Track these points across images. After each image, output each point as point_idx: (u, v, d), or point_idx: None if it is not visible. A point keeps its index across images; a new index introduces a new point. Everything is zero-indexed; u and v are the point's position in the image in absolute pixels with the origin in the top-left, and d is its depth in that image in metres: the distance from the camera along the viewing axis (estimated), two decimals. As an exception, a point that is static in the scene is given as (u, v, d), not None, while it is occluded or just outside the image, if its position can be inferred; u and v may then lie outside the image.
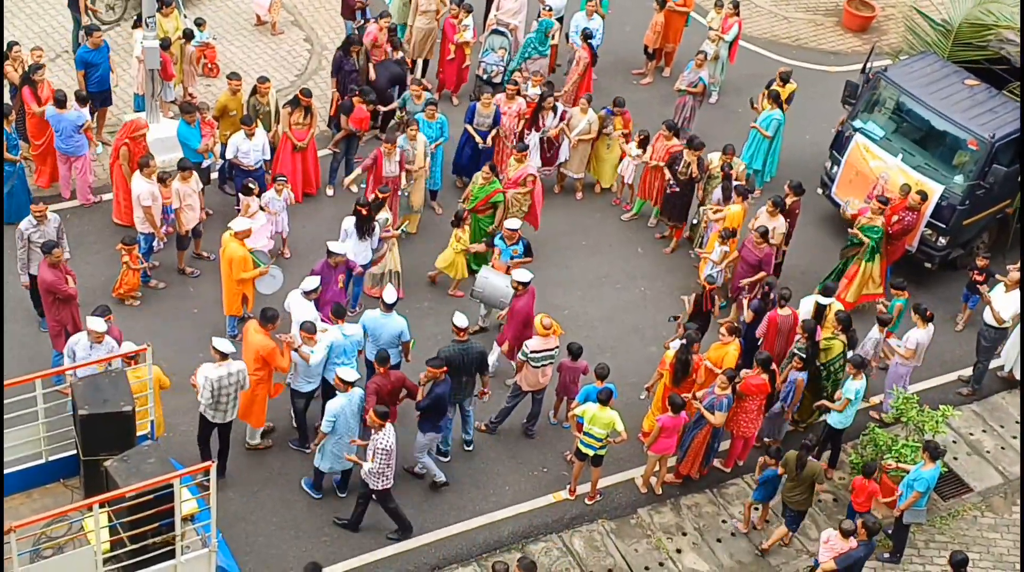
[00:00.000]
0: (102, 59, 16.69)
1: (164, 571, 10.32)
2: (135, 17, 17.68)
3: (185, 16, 18.57)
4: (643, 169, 17.15)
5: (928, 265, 16.88)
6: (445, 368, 12.78)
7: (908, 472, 13.14)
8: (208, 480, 10.06)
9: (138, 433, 11.02)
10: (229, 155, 15.87)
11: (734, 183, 16.22)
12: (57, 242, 13.63)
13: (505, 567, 11.40)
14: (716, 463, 14.19)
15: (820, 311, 14.47)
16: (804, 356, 13.75)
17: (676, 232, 17.11)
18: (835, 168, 17.44)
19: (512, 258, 15.02)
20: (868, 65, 17.62)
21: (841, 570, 12.20)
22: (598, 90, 18.70)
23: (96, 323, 12.45)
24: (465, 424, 13.92)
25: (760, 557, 13.47)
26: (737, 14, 19.55)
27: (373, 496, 12.59)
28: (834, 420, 13.92)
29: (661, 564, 13.29)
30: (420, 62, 19.07)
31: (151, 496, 9.87)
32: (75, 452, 11.00)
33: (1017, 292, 15.19)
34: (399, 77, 17.85)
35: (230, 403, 12.64)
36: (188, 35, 17.79)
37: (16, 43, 16.61)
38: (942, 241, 16.61)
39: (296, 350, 12.89)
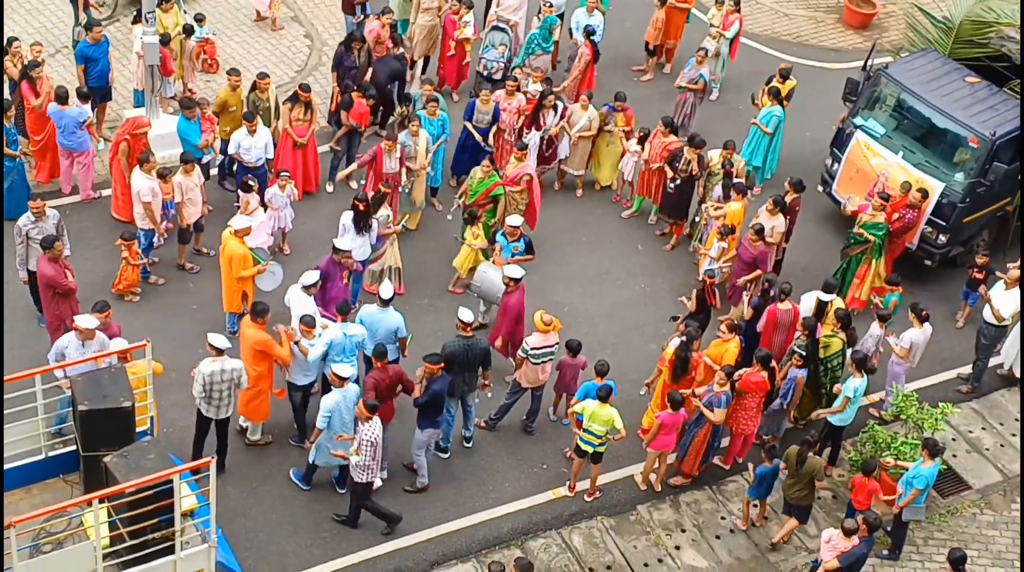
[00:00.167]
0: (102, 54, 16.68)
1: (164, 567, 10.34)
2: (135, 13, 17.67)
3: (185, 12, 18.55)
4: (642, 166, 17.13)
5: (928, 263, 16.88)
6: (442, 364, 12.78)
7: (907, 469, 13.14)
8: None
9: (138, 429, 11.04)
10: (231, 150, 15.87)
11: (734, 181, 16.21)
12: (57, 236, 13.62)
13: (501, 568, 11.37)
14: (715, 460, 14.19)
15: (821, 308, 14.47)
16: (804, 353, 13.75)
17: (676, 229, 17.10)
18: (836, 165, 17.43)
19: (513, 255, 15.01)
20: (869, 62, 17.60)
21: (844, 568, 12.21)
22: (599, 86, 18.69)
23: (84, 320, 12.38)
24: (466, 420, 13.93)
25: (760, 556, 13.48)
26: (738, 11, 19.53)
27: (361, 489, 12.54)
28: (835, 417, 13.92)
29: (660, 561, 13.29)
30: (421, 60, 19.04)
31: (151, 492, 9.89)
32: (75, 448, 11.01)
33: (1017, 290, 15.19)
34: (399, 73, 17.84)
35: (224, 399, 12.61)
36: (188, 31, 17.77)
37: (16, 39, 16.60)
38: (942, 239, 16.60)
39: (296, 344, 12.89)
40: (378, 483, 13.00)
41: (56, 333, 13.46)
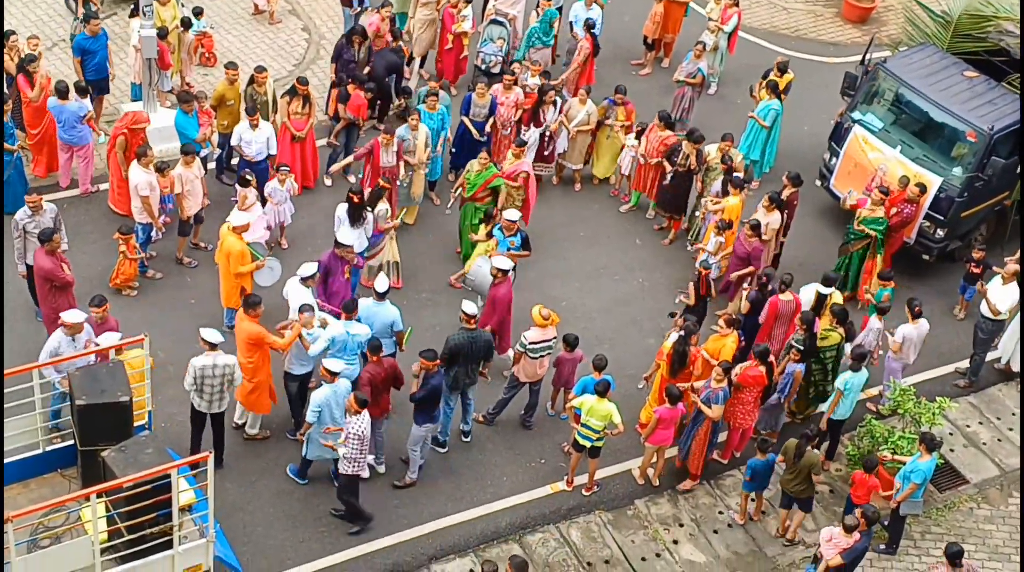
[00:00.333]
0: (100, 47, 16.66)
1: (162, 561, 10.35)
2: (132, 6, 17.63)
3: (183, 5, 18.50)
4: (639, 160, 17.11)
5: (926, 257, 16.88)
6: (438, 361, 12.78)
7: (904, 464, 13.15)
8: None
9: (136, 423, 11.03)
10: (234, 142, 15.87)
11: (733, 175, 16.20)
12: (55, 229, 13.61)
13: (494, 568, 11.36)
14: (714, 455, 14.19)
15: (821, 301, 14.47)
16: (802, 348, 13.76)
17: (674, 224, 17.10)
18: (834, 160, 17.42)
19: (509, 249, 15.00)
20: (867, 56, 17.59)
21: (848, 563, 12.24)
22: (597, 80, 18.67)
23: (71, 315, 12.34)
24: (465, 413, 13.93)
25: (757, 550, 13.49)
26: (736, 4, 19.51)
27: (345, 482, 12.52)
28: (828, 409, 13.92)
29: (658, 555, 13.31)
30: (419, 56, 19.01)
31: (149, 486, 9.89)
32: (72, 442, 11.01)
33: (1014, 284, 15.20)
34: (396, 66, 17.82)
35: (216, 394, 12.58)
36: (186, 24, 17.75)
37: (13, 32, 16.57)
38: (940, 233, 16.60)
39: (299, 337, 12.91)
40: (366, 474, 13.03)
41: (53, 327, 13.44)
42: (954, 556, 12.24)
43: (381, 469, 13.47)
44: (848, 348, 14.11)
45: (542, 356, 13.71)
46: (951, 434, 15.10)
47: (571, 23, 19.11)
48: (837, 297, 14.76)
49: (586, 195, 17.84)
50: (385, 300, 13.47)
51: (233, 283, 14.16)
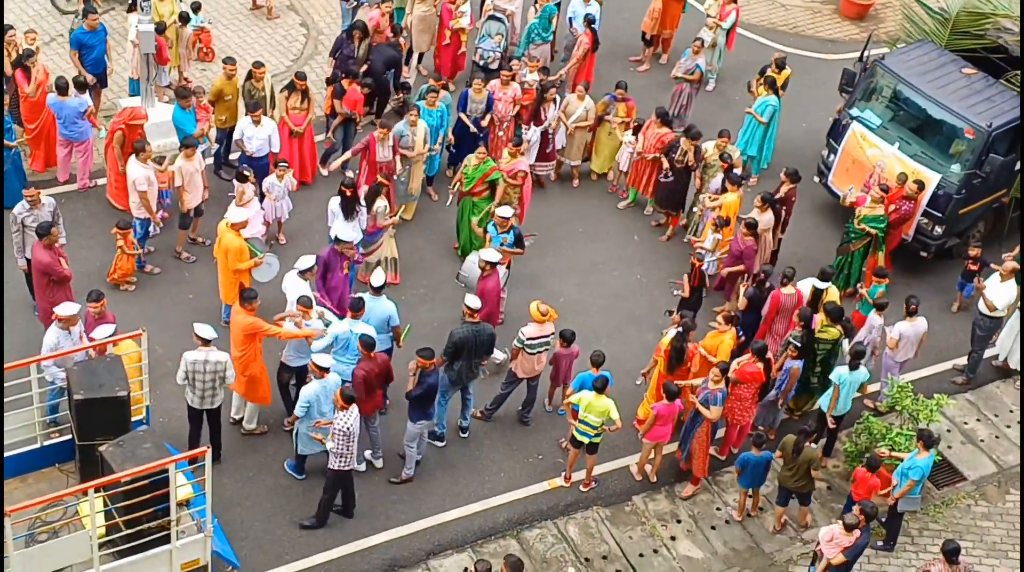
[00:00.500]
0: (98, 41, 16.64)
1: (159, 556, 10.34)
2: (130, 1, 17.60)
3: (181, 0, 18.49)
4: (636, 157, 17.09)
5: (924, 254, 16.89)
6: (436, 360, 12.77)
7: (902, 460, 13.16)
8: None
9: (133, 418, 11.03)
10: (236, 136, 15.87)
11: (731, 172, 16.19)
12: (53, 222, 13.59)
13: (487, 567, 11.33)
14: (711, 451, 14.20)
15: (817, 296, 14.47)
16: (799, 345, 13.76)
17: (672, 220, 17.09)
18: (832, 156, 17.43)
19: (502, 246, 14.96)
20: (865, 53, 17.59)
21: (850, 560, 12.25)
22: (596, 77, 18.66)
23: (65, 308, 12.33)
24: (464, 408, 13.93)
25: (754, 546, 13.50)
26: (735, 1, 19.49)
27: (333, 476, 12.49)
28: (828, 406, 13.93)
29: (655, 551, 13.31)
30: (417, 52, 18.98)
31: (146, 481, 9.89)
32: (70, 437, 11.01)
33: (1012, 281, 15.21)
34: (394, 60, 17.80)
35: (208, 390, 12.55)
36: (184, 19, 17.71)
37: (11, 27, 16.53)
38: (938, 230, 16.61)
39: (296, 325, 12.91)
40: (361, 468, 13.00)
41: (50, 321, 13.43)
42: (951, 553, 12.24)
43: (379, 463, 13.48)
44: (847, 345, 14.11)
45: (540, 352, 13.71)
46: (949, 431, 15.11)
47: (570, 19, 19.10)
48: (834, 293, 14.76)
49: (584, 191, 17.83)
50: (381, 294, 13.47)
51: (231, 279, 14.15)
